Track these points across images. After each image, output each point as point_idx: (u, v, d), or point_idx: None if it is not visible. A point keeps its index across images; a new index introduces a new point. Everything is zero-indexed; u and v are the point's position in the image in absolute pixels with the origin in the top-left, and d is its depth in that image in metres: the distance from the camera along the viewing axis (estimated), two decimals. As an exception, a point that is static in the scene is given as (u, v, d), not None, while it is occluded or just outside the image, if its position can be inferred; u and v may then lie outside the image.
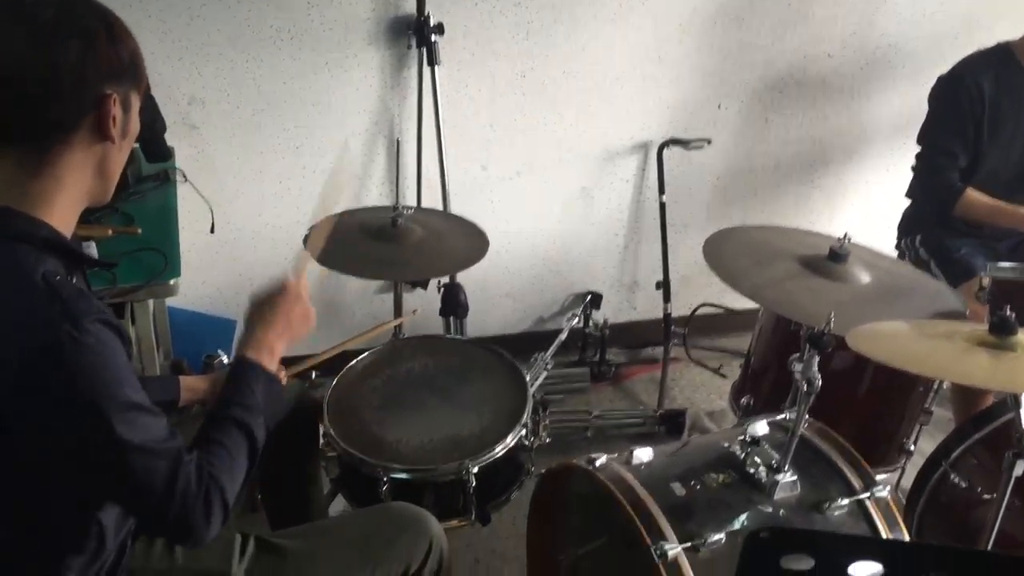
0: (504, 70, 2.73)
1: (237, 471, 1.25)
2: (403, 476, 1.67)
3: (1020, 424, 1.27)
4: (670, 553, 1.50)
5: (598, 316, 3.17)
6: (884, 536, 1.66)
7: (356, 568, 1.46)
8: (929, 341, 1.35)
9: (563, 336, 2.96)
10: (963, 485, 1.98)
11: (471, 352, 2.00)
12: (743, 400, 2.35)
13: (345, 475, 1.79)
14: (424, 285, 2.97)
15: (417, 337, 2.07)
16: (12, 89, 1.12)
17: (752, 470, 1.69)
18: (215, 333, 2.71)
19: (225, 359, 2.26)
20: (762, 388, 2.34)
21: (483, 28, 2.66)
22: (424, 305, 2.92)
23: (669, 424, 2.86)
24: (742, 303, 3.25)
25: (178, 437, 1.17)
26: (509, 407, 1.82)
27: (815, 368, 1.59)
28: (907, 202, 2.82)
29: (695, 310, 3.26)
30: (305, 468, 1.84)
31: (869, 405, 2.18)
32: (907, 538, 1.68)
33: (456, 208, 2.79)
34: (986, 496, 1.98)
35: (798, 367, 1.93)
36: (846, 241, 1.94)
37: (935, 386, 2.18)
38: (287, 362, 1.84)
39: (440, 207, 2.76)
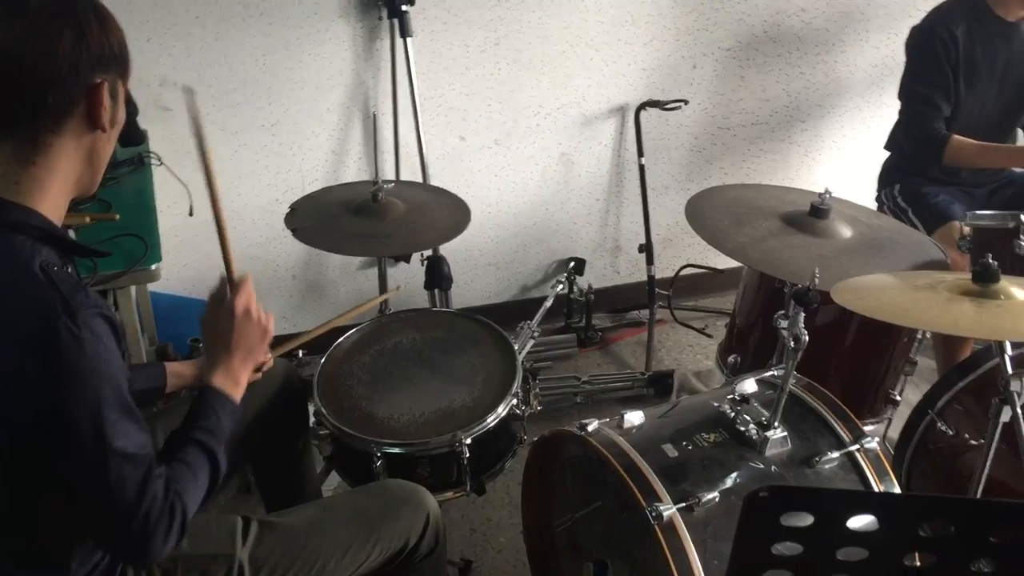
0: (478, 38, 2.70)
1: (199, 492, 1.24)
2: (397, 451, 1.67)
3: (1005, 371, 1.28)
4: (665, 514, 1.51)
5: (582, 282, 3.17)
6: (875, 486, 1.69)
7: (358, 544, 1.46)
8: (913, 293, 1.36)
9: (548, 303, 2.97)
10: (950, 432, 2.00)
11: (458, 323, 2.00)
12: (730, 359, 2.37)
13: (338, 452, 1.79)
14: (407, 259, 2.96)
15: (403, 311, 2.07)
16: (7, 77, 1.12)
17: (743, 428, 1.70)
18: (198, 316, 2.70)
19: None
20: (748, 346, 2.36)
21: (454, -4, 2.63)
22: (408, 279, 2.92)
23: (657, 386, 2.88)
24: (725, 262, 3.26)
25: (151, 449, 1.17)
26: (499, 377, 1.82)
27: (801, 324, 1.60)
28: (885, 154, 2.83)
29: (679, 271, 3.27)
30: (296, 447, 1.84)
31: (855, 358, 2.19)
32: (897, 487, 1.70)
33: (436, 180, 2.78)
34: (973, 442, 2.01)
35: (783, 324, 1.95)
36: (827, 196, 1.95)
37: (919, 336, 2.21)
38: (275, 341, 1.83)
39: (420, 179, 2.74)
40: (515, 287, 3.21)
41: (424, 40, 2.63)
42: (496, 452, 1.81)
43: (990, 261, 1.29)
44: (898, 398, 2.26)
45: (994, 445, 1.33)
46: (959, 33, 2.53)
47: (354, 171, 2.78)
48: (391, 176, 2.79)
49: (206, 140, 1.40)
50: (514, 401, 1.78)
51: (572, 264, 3.16)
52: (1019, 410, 1.29)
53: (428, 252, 2.82)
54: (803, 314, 1.61)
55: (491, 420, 1.72)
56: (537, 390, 1.93)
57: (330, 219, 1.93)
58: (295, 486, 1.87)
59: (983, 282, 1.30)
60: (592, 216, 3.16)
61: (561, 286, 3.07)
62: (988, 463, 1.35)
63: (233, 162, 2.64)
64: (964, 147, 2.55)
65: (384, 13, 2.56)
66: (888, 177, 2.80)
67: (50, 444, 1.11)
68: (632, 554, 1.71)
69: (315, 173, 2.74)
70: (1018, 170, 2.72)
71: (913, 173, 2.70)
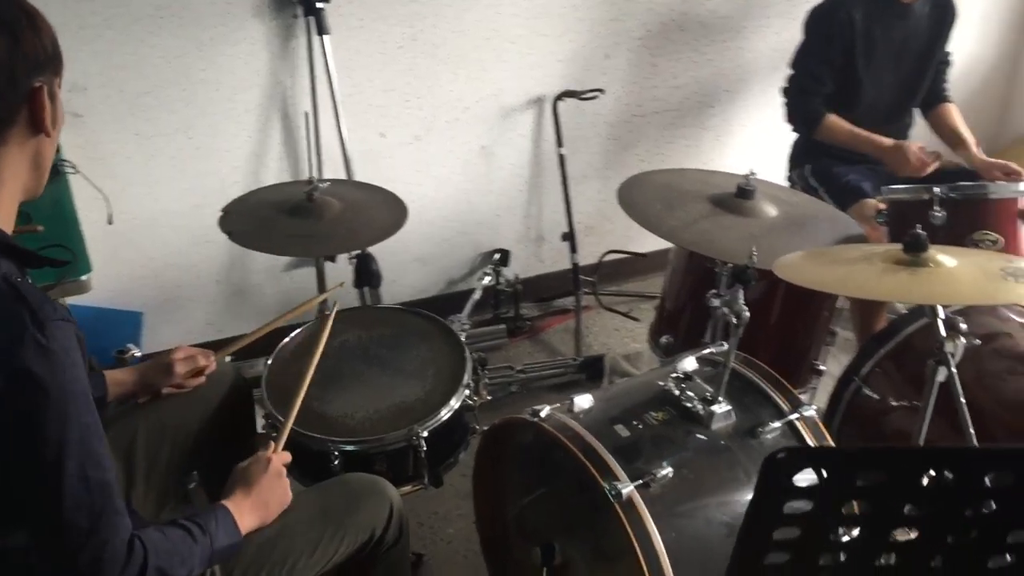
0: (394, 34, 2.70)
1: (174, 562, 1.22)
2: (354, 448, 1.67)
3: (939, 333, 1.36)
4: (624, 492, 1.55)
5: (509, 272, 3.20)
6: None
7: (326, 540, 1.47)
8: (851, 265, 1.44)
9: (477, 295, 3.01)
10: (876, 397, 2.11)
11: (401, 319, 2.01)
12: (663, 340, 2.43)
13: (293, 454, 1.77)
14: (333, 259, 2.94)
15: (345, 310, 2.06)
16: None
17: (689, 404, 1.76)
18: (121, 327, 2.62)
19: (137, 352, 2.20)
20: (679, 326, 2.42)
21: (369, -8, 2.62)
22: (335, 279, 2.89)
23: (589, 370, 2.93)
24: (647, 246, 3.36)
25: (114, 478, 1.15)
26: (449, 369, 1.83)
27: (741, 301, 1.66)
28: (791, 135, 2.94)
29: (602, 257, 3.33)
30: (245, 450, 1.82)
31: (781, 332, 2.28)
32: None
33: (359, 177, 2.76)
34: (895, 404, 2.12)
35: (716, 302, 2.02)
36: (752, 177, 2.02)
37: (838, 306, 2.32)
38: (215, 346, 1.80)
39: (343, 178, 2.72)
40: (442, 281, 3.22)
41: (341, 37, 2.61)
42: (451, 444, 1.82)
43: (919, 232, 1.37)
44: (823, 368, 2.37)
45: (931, 405, 1.40)
46: (857, 15, 2.64)
47: (274, 172, 2.74)
48: (313, 175, 2.76)
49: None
50: (467, 392, 1.80)
51: (497, 256, 3.19)
52: (954, 370, 1.37)
53: (356, 251, 2.80)
54: (742, 291, 1.67)
55: (445, 412, 1.74)
56: (486, 380, 1.95)
57: (265, 221, 1.90)
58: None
59: (914, 251, 1.37)
60: (514, 207, 3.19)
61: (488, 278, 3.12)
62: (926, 422, 1.42)
63: (148, 168, 2.57)
64: (836, 128, 2.68)
65: (299, 11, 2.53)
66: (798, 157, 2.91)
67: (9, 459, 1.08)
68: (585, 535, 1.75)
69: (234, 176, 2.68)
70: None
71: (822, 152, 2.81)
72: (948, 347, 1.33)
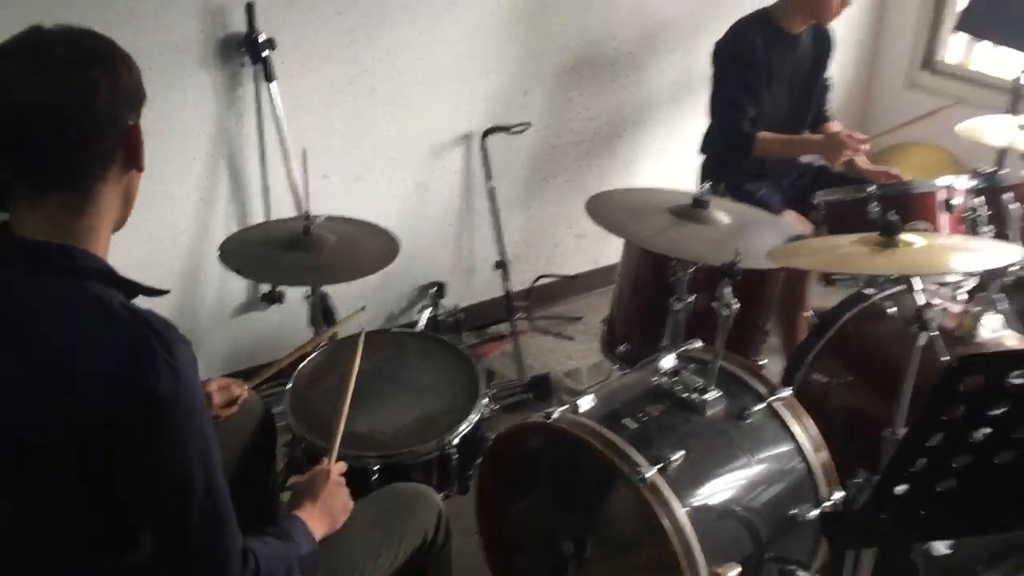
0: (335, 78, 2.80)
1: (280, 568, 1.31)
2: (391, 462, 1.75)
3: (914, 301, 1.59)
4: (648, 476, 1.70)
5: (446, 303, 3.32)
6: (793, 428, 1.97)
7: (387, 546, 1.55)
8: (843, 249, 1.66)
9: (422, 326, 3.12)
10: (823, 380, 2.34)
11: (401, 340, 2.10)
12: (620, 349, 2.61)
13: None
14: (280, 299, 2.98)
15: (348, 337, 2.13)
16: (52, 134, 1.13)
17: (685, 395, 1.93)
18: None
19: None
20: (635, 334, 2.61)
21: (311, 39, 2.72)
22: (287, 317, 2.95)
23: (536, 390, 3.07)
24: (575, 269, 3.57)
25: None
26: (462, 381, 1.94)
27: (730, 296, 1.85)
28: (695, 158, 3.21)
29: (535, 282, 3.50)
30: (271, 479, 1.87)
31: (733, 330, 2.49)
32: (812, 424, 1.99)
33: (307, 218, 2.83)
34: (837, 383, 2.36)
35: (678, 305, 2.23)
36: (705, 188, 2.24)
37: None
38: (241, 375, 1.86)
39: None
40: (382, 316, 3.30)
41: (286, 83, 2.69)
42: (475, 452, 1.92)
43: (893, 218, 1.60)
44: (764, 362, 2.61)
45: (915, 367, 1.63)
46: (757, 44, 2.94)
47: (222, 217, 2.77)
48: (259, 219, 2.82)
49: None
50: (485, 400, 1.91)
51: (434, 288, 3.30)
52: (936, 332, 1.61)
53: (308, 290, 2.86)
54: (730, 287, 1.87)
55: (473, 418, 1.84)
56: (495, 391, 2.06)
57: (264, 256, 1.97)
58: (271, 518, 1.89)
59: (889, 234, 1.61)
60: (447, 240, 3.32)
61: (429, 310, 3.23)
62: (911, 383, 1.65)
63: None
64: (769, 142, 2.96)
65: (247, 60, 2.60)
66: (709, 177, 3.17)
67: (140, 473, 1.14)
68: (606, 526, 1.89)
69: (184, 224, 2.70)
70: (806, 160, 3.20)
71: (730, 171, 3.09)
72: (931, 313, 1.55)
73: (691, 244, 2.11)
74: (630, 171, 3.62)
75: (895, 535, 1.11)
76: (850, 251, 1.63)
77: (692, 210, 2.22)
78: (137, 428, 1.12)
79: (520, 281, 3.44)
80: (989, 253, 1.65)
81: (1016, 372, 0.82)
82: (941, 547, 2.27)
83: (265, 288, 2.94)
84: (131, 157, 1.22)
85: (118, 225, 1.27)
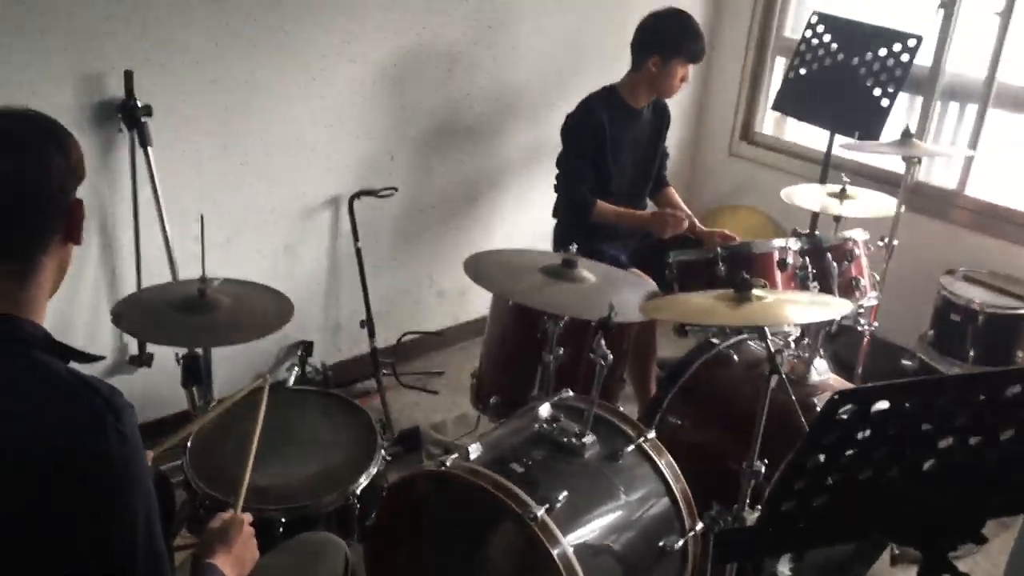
0: (207, 145, 2.87)
1: None
2: (298, 514, 1.83)
3: (769, 348, 1.84)
4: (539, 515, 1.87)
5: (314, 360, 3.39)
6: (659, 464, 2.20)
7: None
8: (703, 302, 1.90)
9: (291, 384, 3.18)
10: (677, 421, 2.59)
11: (292, 397, 2.19)
12: (492, 401, 2.77)
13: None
14: (148, 363, 2.97)
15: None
16: (8, 208, 1.19)
17: (564, 439, 2.12)
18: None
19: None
20: (504, 386, 2.78)
21: (186, 107, 2.78)
22: (156, 379, 2.93)
23: (407, 443, 3.17)
24: (436, 326, 3.72)
25: None
26: (359, 432, 2.05)
27: (604, 347, 2.06)
28: (549, 218, 3.45)
29: (401, 338, 3.62)
30: (168, 540, 1.90)
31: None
32: (671, 462, 2.22)
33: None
34: (688, 424, 2.60)
35: (548, 357, 2.42)
36: (572, 251, 2.46)
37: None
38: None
39: (169, 280, 2.81)
40: (249, 374, 3.31)
41: (160, 149, 2.73)
42: (373, 501, 2.02)
43: (746, 276, 1.86)
44: (621, 408, 2.84)
45: (766, 407, 1.88)
46: (604, 119, 3.22)
47: (91, 283, 2.76)
48: (130, 281, 2.82)
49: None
50: (383, 451, 2.02)
51: (302, 347, 3.37)
52: (785, 375, 1.86)
53: (183, 351, 2.87)
54: (603, 340, 2.08)
55: (374, 469, 1.95)
56: (387, 443, 2.17)
57: (159, 317, 2.02)
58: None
59: (743, 291, 1.86)
60: (315, 300, 3.40)
61: (296, 368, 3.29)
62: (762, 425, 1.89)
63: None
64: (605, 211, 3.22)
65: (122, 125, 2.63)
66: (563, 239, 3.40)
67: (91, 538, 1.19)
68: (501, 563, 2.03)
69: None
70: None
71: (582, 233, 3.34)
72: (778, 359, 1.81)
73: (564, 300, 2.32)
74: (487, 232, 3.83)
75: (780, 546, 1.31)
76: (712, 305, 1.87)
77: (562, 269, 2.44)
78: (87, 491, 1.17)
79: (383, 339, 3.56)
80: (824, 306, 1.94)
81: (879, 402, 1.03)
82: (785, 571, 2.56)
83: (134, 351, 2.93)
84: (71, 231, 1.28)
85: (51, 295, 1.32)
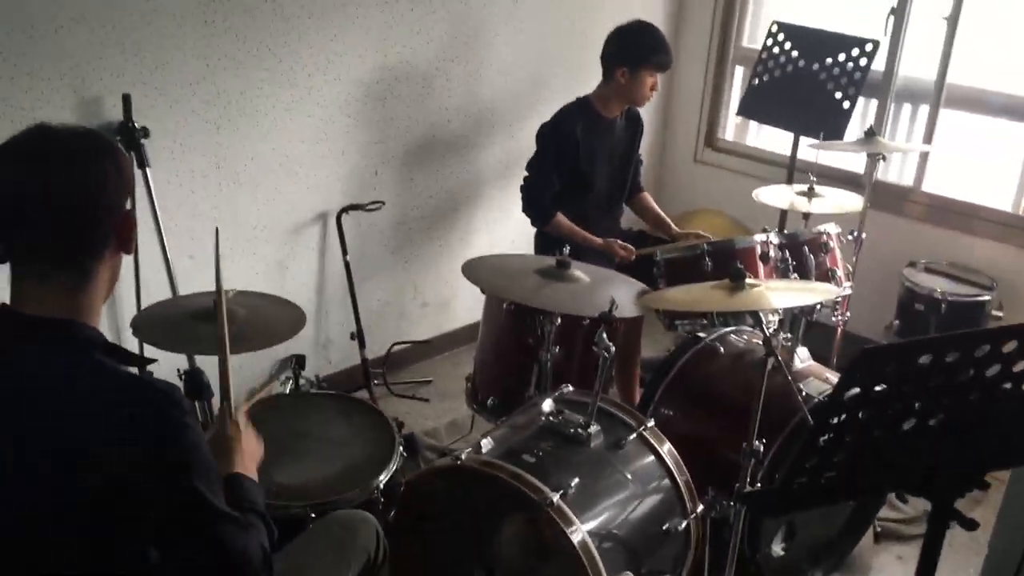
0: (201, 164, 2.93)
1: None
2: (325, 509, 1.91)
3: (765, 331, 1.97)
4: (554, 500, 1.97)
5: (307, 374, 3.45)
6: (659, 451, 2.31)
7: (340, 569, 1.72)
8: (701, 293, 2.03)
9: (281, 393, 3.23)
10: (670, 413, 2.71)
11: (309, 400, 2.28)
12: (489, 402, 2.86)
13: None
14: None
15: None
16: (69, 219, 1.28)
17: (571, 431, 2.23)
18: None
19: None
20: (500, 387, 2.87)
21: (179, 127, 2.85)
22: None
23: (407, 448, 3.24)
24: (421, 336, 3.81)
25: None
26: (378, 431, 2.14)
27: (606, 340, 2.17)
28: (529, 227, 3.56)
29: (390, 349, 3.70)
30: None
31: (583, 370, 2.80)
32: (671, 449, 2.33)
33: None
34: (679, 415, 2.72)
35: (544, 356, 2.53)
36: (565, 252, 2.57)
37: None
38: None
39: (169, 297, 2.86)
40: (243, 389, 3.36)
41: (156, 169, 2.79)
42: (392, 496, 2.11)
43: (739, 267, 1.99)
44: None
45: (764, 387, 2.01)
46: (578, 130, 3.34)
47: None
48: (130, 300, 2.87)
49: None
50: (401, 447, 2.11)
51: (294, 360, 3.43)
52: (781, 359, 1.99)
53: (185, 365, 2.92)
54: (605, 333, 2.18)
55: (394, 465, 2.04)
56: (413, 445, 2.26)
57: (179, 328, 2.09)
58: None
59: (737, 280, 1.99)
60: (306, 314, 3.44)
61: (291, 382, 3.35)
62: (760, 407, 2.02)
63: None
64: (561, 225, 3.34)
65: (121, 146, 2.68)
66: (545, 246, 3.51)
67: (169, 521, 1.28)
68: (516, 549, 2.12)
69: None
70: (625, 226, 3.65)
71: (562, 241, 3.46)
72: (774, 341, 1.94)
73: (562, 299, 2.43)
74: (467, 242, 3.93)
75: (805, 502, 1.42)
76: (709, 294, 2.00)
77: (557, 270, 2.55)
78: (159, 483, 1.26)
79: (370, 351, 3.63)
80: (812, 291, 2.08)
81: (900, 361, 1.15)
82: (777, 549, 2.69)
83: (133, 369, 2.96)
84: (123, 240, 1.37)
85: (104, 301, 1.39)
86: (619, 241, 3.32)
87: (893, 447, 1.24)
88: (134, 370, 1.44)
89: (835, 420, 1.18)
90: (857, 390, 1.17)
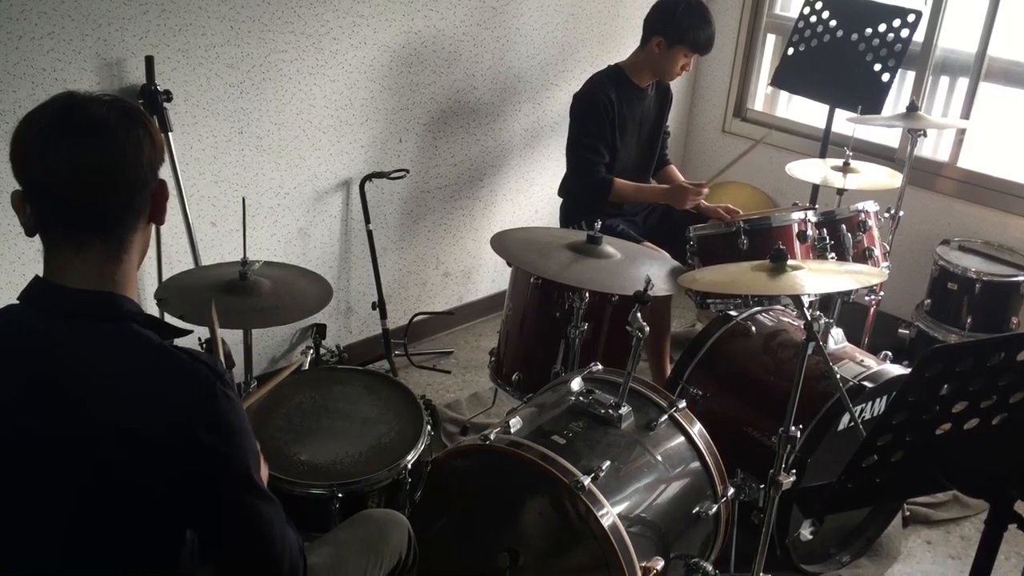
0: (224, 129, 2.87)
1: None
2: (353, 488, 1.87)
3: (805, 315, 1.90)
4: (585, 483, 1.93)
5: (327, 343, 3.41)
6: (689, 431, 2.26)
7: (371, 567, 1.68)
8: (740, 274, 1.96)
9: (306, 367, 3.19)
10: (699, 393, 2.66)
11: (340, 376, 2.23)
12: (514, 377, 2.82)
13: (295, 507, 1.91)
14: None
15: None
16: (106, 190, 1.23)
17: (601, 411, 2.18)
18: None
19: None
20: (525, 362, 2.82)
21: (202, 91, 2.78)
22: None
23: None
24: (442, 306, 3.76)
25: None
26: (406, 410, 2.09)
27: (641, 320, 2.12)
28: (552, 197, 3.49)
29: (412, 319, 3.65)
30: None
31: (611, 349, 2.75)
32: (702, 430, 2.28)
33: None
34: (709, 394, 2.67)
35: (573, 333, 2.47)
36: (595, 228, 2.51)
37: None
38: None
39: (192, 266, 2.82)
40: (264, 360, 3.34)
41: (177, 133, 2.73)
42: (420, 476, 2.07)
43: (781, 248, 1.92)
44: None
45: (802, 372, 1.95)
46: (612, 97, 3.27)
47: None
48: (151, 268, 2.83)
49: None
50: (428, 427, 2.07)
51: (314, 329, 3.39)
52: (822, 343, 1.92)
53: (206, 338, 2.88)
54: (639, 312, 2.13)
55: (422, 444, 1.99)
56: (433, 419, 2.21)
57: (204, 300, 2.04)
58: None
59: (778, 262, 1.92)
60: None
61: (312, 351, 3.31)
62: (799, 389, 1.96)
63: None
64: (624, 188, 3.28)
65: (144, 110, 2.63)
66: (570, 218, 3.45)
67: (206, 493, 1.25)
68: (542, 531, 2.08)
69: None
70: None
71: (589, 211, 3.39)
72: (815, 326, 1.87)
73: (594, 276, 2.38)
74: (490, 212, 3.87)
75: (858, 500, 1.37)
76: (750, 276, 1.93)
77: (588, 246, 2.49)
78: (205, 452, 1.23)
79: (392, 320, 3.59)
80: (855, 274, 2.01)
81: (965, 361, 1.10)
82: (806, 533, 2.65)
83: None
84: (156, 211, 1.32)
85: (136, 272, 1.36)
86: (687, 180, 3.24)
87: (955, 447, 1.18)
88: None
89: (895, 421, 1.12)
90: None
